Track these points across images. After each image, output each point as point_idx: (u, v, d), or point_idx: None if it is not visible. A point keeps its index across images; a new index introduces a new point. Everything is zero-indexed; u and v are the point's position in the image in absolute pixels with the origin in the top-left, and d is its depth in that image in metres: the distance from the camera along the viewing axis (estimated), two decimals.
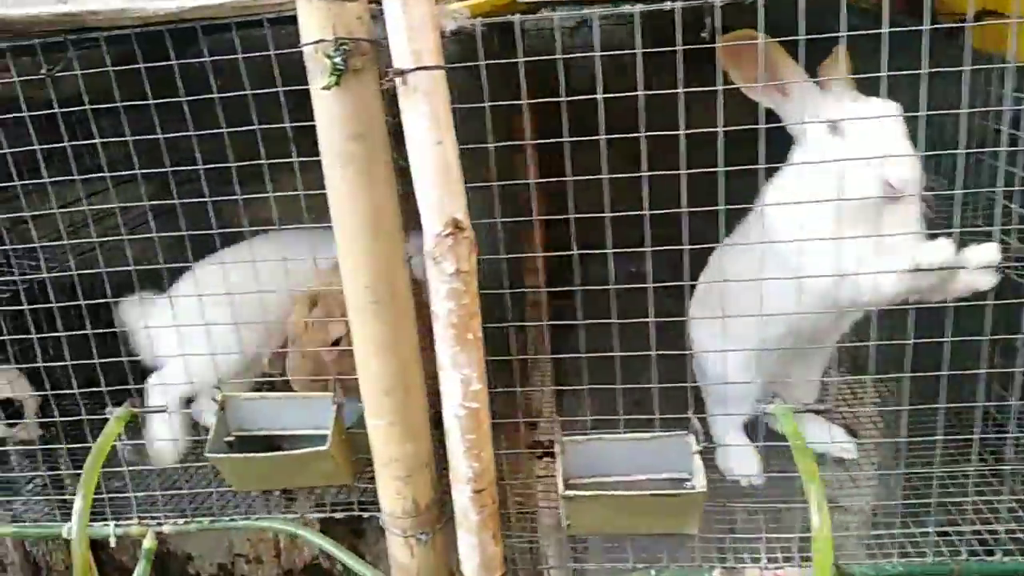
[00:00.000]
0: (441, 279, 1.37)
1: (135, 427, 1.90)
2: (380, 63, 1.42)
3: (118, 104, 1.55)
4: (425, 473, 1.66)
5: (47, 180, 1.68)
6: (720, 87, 1.40)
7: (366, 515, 1.79)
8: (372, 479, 1.65)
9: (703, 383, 2.14)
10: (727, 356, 1.91)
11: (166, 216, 2.00)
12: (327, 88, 1.36)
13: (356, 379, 1.60)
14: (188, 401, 2.03)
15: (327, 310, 1.90)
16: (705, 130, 1.40)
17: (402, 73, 1.27)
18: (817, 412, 1.72)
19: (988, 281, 1.47)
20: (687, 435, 1.57)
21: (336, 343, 1.91)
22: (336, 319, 1.88)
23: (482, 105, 1.38)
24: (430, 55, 1.28)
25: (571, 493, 1.48)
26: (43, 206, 1.82)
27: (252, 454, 1.64)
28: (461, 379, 1.43)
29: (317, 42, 1.35)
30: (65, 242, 1.72)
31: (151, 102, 1.55)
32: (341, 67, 1.35)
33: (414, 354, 1.60)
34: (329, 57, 1.35)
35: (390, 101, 1.42)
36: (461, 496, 1.53)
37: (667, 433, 1.56)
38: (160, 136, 1.59)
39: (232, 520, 1.81)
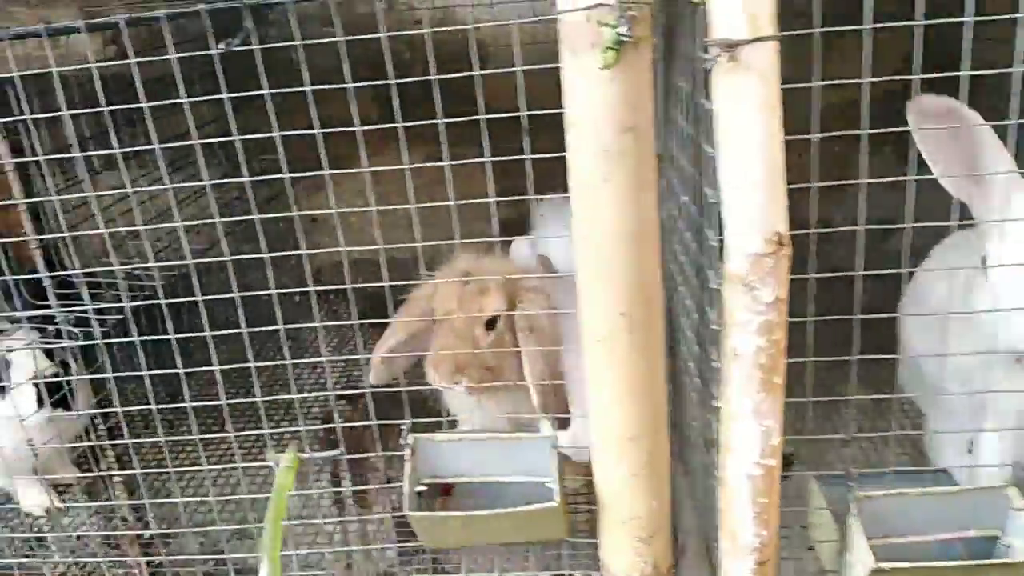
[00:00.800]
0: (754, 309, 1.07)
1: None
2: None
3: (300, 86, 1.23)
4: (666, 533, 1.39)
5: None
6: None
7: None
8: None
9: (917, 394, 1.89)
10: (946, 366, 1.65)
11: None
12: (608, 67, 1.06)
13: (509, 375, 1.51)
14: None
15: (481, 287, 1.68)
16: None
17: (734, 46, 0.96)
18: None
19: None
20: (1005, 488, 1.28)
21: (492, 324, 1.68)
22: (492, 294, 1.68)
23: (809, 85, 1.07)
24: (769, 22, 0.97)
25: (888, 566, 1.20)
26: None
27: (471, 512, 1.35)
28: (762, 431, 1.15)
29: (593, 7, 1.05)
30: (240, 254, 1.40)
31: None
32: (627, 37, 1.04)
33: (664, 394, 1.31)
34: (610, 26, 1.04)
35: None
36: (740, 569, 1.25)
37: (981, 487, 1.28)
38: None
39: None
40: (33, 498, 1.95)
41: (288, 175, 1.30)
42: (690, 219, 1.38)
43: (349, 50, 1.21)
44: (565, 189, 1.19)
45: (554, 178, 1.23)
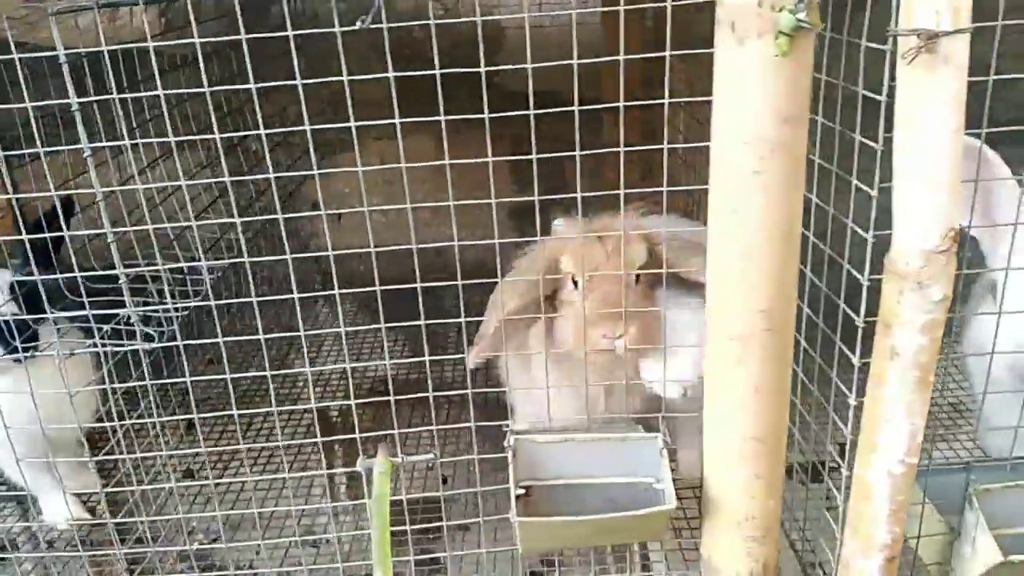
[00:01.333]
0: (922, 308, 1.05)
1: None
2: None
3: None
4: (776, 531, 1.37)
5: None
6: None
7: None
8: None
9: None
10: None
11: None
12: (784, 54, 1.01)
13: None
14: None
15: (626, 237, 1.46)
16: None
17: (934, 37, 0.92)
18: None
19: None
20: None
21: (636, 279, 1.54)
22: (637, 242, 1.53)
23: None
24: (968, 15, 0.93)
25: (1017, 558, 1.21)
26: None
27: (590, 517, 1.29)
28: (910, 430, 1.13)
29: None
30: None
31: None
32: (805, 24, 1.00)
33: (788, 394, 1.28)
34: (790, 11, 0.99)
35: None
36: (869, 567, 1.24)
37: None
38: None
39: None
40: (65, 509, 1.79)
41: (273, 174, 1.24)
42: (812, 212, 1.34)
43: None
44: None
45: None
